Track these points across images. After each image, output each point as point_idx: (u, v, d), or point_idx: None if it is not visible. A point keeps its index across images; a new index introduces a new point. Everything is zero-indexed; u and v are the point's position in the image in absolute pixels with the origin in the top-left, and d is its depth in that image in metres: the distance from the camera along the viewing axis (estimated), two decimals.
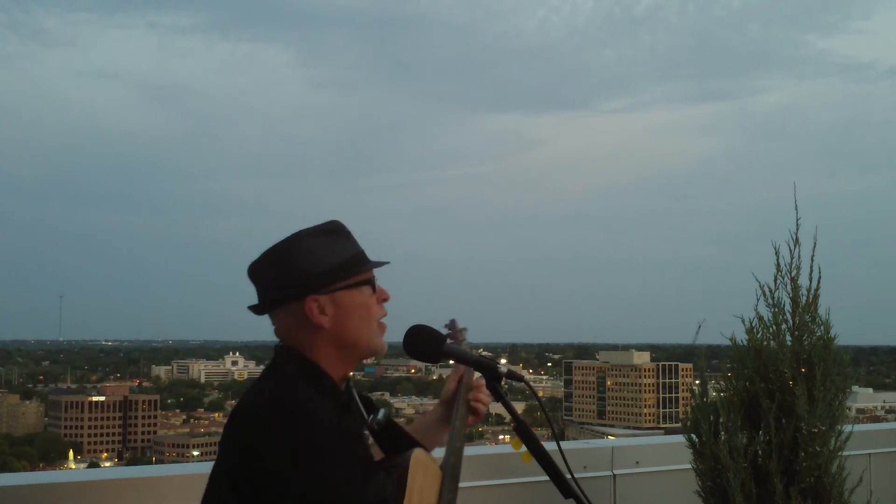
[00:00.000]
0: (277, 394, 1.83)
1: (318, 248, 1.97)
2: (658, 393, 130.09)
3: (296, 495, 1.70)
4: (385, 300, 2.06)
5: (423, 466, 1.94)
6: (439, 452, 2.12)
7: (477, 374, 2.30)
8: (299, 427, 1.74)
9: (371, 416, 1.98)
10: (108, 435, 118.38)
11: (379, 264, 2.08)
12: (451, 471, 2.03)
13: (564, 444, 3.97)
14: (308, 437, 1.73)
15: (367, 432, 1.96)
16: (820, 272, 3.75)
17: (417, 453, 1.93)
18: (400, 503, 1.81)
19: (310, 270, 1.94)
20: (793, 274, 3.76)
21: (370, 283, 2.01)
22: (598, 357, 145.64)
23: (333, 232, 2.03)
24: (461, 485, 2.07)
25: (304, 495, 1.70)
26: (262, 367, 2.14)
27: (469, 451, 2.56)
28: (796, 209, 3.81)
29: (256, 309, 2.00)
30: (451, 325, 2.46)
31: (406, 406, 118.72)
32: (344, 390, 1.99)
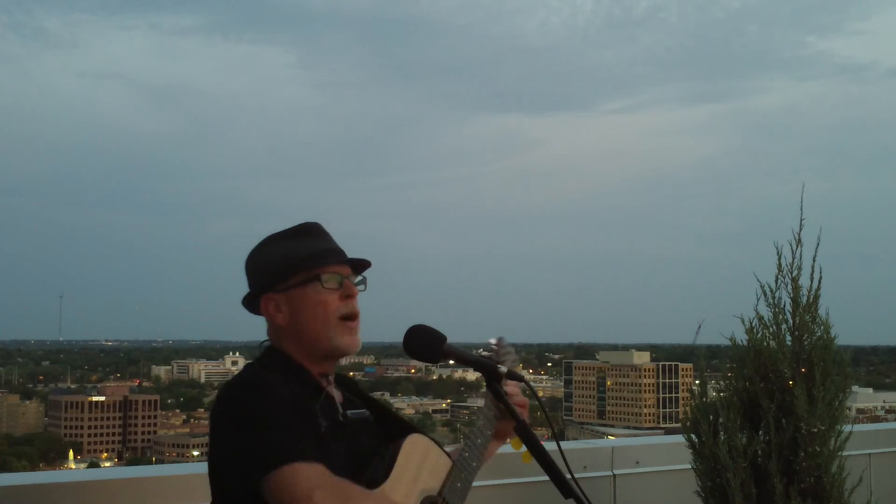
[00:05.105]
0: (235, 377, 1.95)
1: (276, 248, 2.02)
2: (658, 393, 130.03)
3: (224, 455, 1.84)
4: (350, 296, 2.02)
5: (422, 451, 1.95)
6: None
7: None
8: (240, 398, 1.84)
9: (344, 412, 1.97)
10: (108, 435, 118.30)
11: (342, 261, 2.04)
12: (464, 464, 2.02)
13: (564, 444, 3.97)
14: (248, 406, 1.81)
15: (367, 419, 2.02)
16: (821, 273, 3.75)
17: (413, 437, 1.95)
18: (384, 478, 1.84)
19: (264, 270, 2.01)
20: (794, 274, 3.76)
21: (319, 279, 1.97)
22: (598, 357, 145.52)
23: (302, 233, 2.04)
24: None
25: (227, 455, 1.83)
26: None
27: None
28: (801, 209, 3.78)
29: (246, 307, 2.09)
30: (498, 343, 2.40)
31: (406, 406, 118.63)
32: (318, 380, 1.99)
